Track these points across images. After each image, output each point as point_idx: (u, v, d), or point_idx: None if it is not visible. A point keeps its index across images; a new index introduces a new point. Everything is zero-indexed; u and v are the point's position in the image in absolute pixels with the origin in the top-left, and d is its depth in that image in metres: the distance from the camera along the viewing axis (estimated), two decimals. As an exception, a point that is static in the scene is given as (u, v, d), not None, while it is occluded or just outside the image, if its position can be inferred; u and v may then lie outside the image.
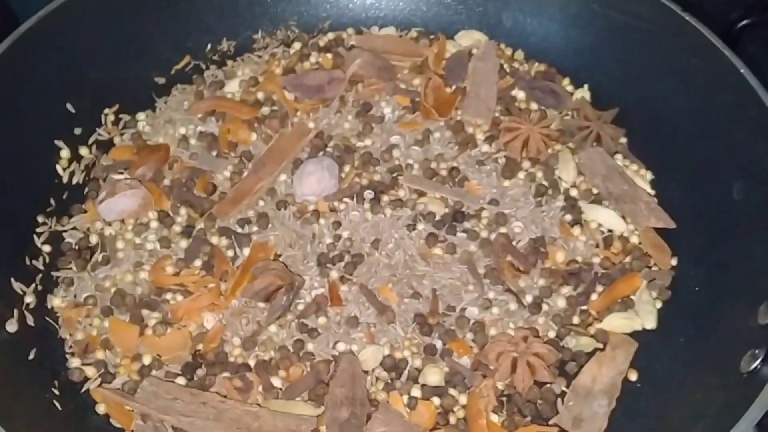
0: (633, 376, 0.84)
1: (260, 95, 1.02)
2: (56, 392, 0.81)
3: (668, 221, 0.91)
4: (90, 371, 0.84)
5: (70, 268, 0.89)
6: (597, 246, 0.91)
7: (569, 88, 1.04)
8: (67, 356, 0.84)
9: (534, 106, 1.02)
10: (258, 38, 1.09)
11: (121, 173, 0.96)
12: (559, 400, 0.82)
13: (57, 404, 0.80)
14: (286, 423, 0.78)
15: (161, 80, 1.05)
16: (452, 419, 0.81)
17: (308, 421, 0.79)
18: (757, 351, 0.75)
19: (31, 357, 0.82)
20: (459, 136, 0.98)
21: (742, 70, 0.88)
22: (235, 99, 1.03)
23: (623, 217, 0.93)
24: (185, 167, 0.97)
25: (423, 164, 0.96)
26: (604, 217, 0.92)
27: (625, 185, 0.94)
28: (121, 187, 0.92)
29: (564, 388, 0.83)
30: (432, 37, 1.08)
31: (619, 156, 0.98)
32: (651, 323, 0.86)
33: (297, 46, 1.08)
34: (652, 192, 0.95)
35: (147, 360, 0.84)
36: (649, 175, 0.97)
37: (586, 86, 1.03)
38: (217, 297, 0.86)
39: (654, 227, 0.92)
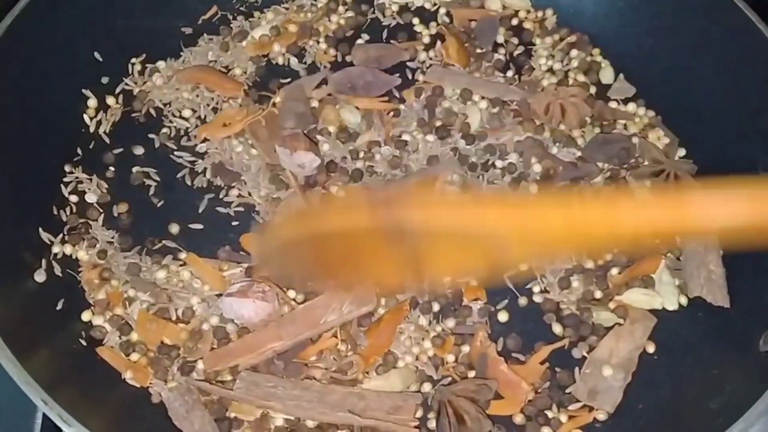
0: (650, 348, 0.84)
1: (276, 47, 1.02)
2: (83, 343, 0.82)
3: (692, 197, 0.91)
4: (109, 327, 0.84)
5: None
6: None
7: (599, 58, 1.02)
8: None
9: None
10: (286, -12, 1.07)
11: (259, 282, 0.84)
12: (577, 369, 0.83)
13: (84, 355, 0.81)
14: (392, 400, 0.79)
15: (188, 30, 1.03)
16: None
17: (414, 396, 0.80)
18: (775, 331, 0.76)
19: (59, 307, 0.83)
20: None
21: (775, 47, 0.88)
22: (219, 72, 1.00)
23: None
24: None
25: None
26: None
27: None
28: (253, 292, 0.83)
29: (585, 354, 0.83)
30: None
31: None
32: (673, 304, 0.86)
33: (324, -1, 1.07)
34: (678, 165, 0.95)
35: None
36: (682, 152, 0.96)
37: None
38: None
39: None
